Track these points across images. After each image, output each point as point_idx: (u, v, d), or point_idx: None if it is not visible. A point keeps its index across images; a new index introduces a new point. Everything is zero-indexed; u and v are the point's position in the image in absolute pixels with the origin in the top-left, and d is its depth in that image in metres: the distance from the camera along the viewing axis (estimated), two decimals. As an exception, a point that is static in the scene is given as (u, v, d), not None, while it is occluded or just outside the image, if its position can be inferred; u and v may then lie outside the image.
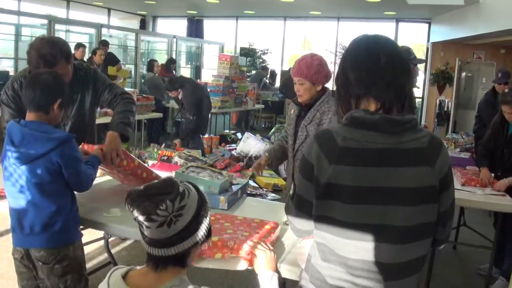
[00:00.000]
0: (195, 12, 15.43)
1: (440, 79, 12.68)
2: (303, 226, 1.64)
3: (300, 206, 1.61)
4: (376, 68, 1.51)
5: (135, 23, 16.68)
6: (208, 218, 1.55)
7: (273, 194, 5.96)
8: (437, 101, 12.36)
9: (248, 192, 3.14)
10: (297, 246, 2.06)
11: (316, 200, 1.52)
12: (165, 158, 4.39)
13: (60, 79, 2.41)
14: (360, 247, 1.48)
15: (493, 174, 4.04)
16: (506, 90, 4.06)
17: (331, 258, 1.54)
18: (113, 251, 4.09)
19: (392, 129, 1.47)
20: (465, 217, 5.29)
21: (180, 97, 6.52)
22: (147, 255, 1.49)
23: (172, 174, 3.40)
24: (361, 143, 1.46)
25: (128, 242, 4.50)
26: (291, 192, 1.67)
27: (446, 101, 12.11)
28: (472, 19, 10.04)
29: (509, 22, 8.25)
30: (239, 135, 8.90)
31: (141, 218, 1.42)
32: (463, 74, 12.39)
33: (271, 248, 1.96)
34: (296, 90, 3.16)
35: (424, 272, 1.63)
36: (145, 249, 1.48)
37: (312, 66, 3.07)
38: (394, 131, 1.47)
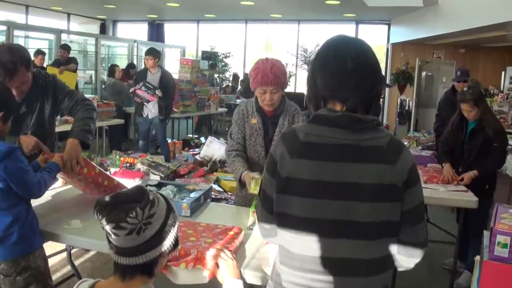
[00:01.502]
0: (156, 16, 15.32)
1: (401, 79, 12.92)
2: (269, 224, 1.64)
3: (264, 203, 1.62)
4: (342, 72, 1.52)
5: (95, 28, 16.44)
6: (175, 228, 1.56)
7: (238, 198, 5.92)
8: (398, 100, 12.57)
9: (213, 196, 3.09)
10: (261, 250, 2.04)
11: (276, 194, 1.54)
12: (128, 165, 4.32)
13: (3, 92, 2.34)
14: (319, 243, 1.49)
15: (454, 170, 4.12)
16: (465, 89, 4.13)
17: (289, 261, 1.55)
18: (76, 262, 4.00)
19: (354, 126, 1.49)
20: (429, 214, 5.40)
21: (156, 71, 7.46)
22: (114, 264, 1.48)
23: (135, 181, 3.35)
24: (323, 138, 1.49)
25: (91, 253, 4.40)
26: (259, 189, 1.69)
27: (407, 100, 12.33)
28: (431, 20, 10.25)
29: (467, 23, 8.45)
30: (202, 139, 8.84)
31: (110, 226, 1.41)
32: (423, 73, 12.64)
33: (233, 256, 1.94)
34: (268, 100, 2.93)
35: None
36: (113, 258, 1.48)
37: (284, 72, 2.94)
38: (356, 128, 1.49)
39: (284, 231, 1.55)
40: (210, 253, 1.94)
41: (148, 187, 2.90)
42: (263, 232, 1.71)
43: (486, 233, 1.79)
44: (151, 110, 7.51)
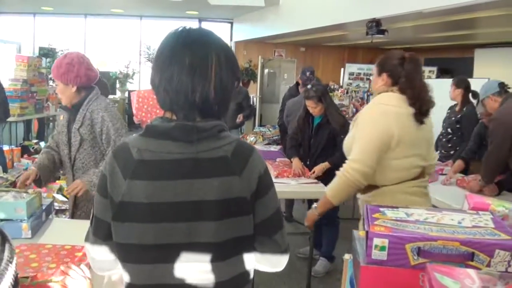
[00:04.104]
0: (-13, 7, 13.89)
1: (244, 76, 13.26)
2: (102, 256, 1.42)
3: (97, 231, 1.40)
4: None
5: None
6: (13, 264, 1.20)
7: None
8: (244, 96, 12.88)
9: (57, 207, 2.79)
10: (113, 272, 1.90)
11: (112, 222, 1.34)
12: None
13: None
14: (165, 271, 1.33)
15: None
16: (309, 86, 4.29)
17: None
18: None
19: (189, 137, 1.31)
20: (283, 208, 5.58)
21: None
22: None
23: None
24: (157, 154, 1.31)
25: None
26: (91, 216, 1.44)
27: (251, 97, 12.69)
28: (272, 19, 10.63)
29: (306, 23, 8.92)
30: (42, 144, 8.22)
31: None
32: (266, 70, 13.14)
33: (85, 275, 1.73)
34: (57, 91, 3.05)
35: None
36: None
37: (61, 66, 2.90)
38: (192, 139, 1.31)
39: (124, 263, 1.36)
40: (56, 278, 1.70)
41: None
42: (96, 266, 1.48)
43: (356, 234, 1.75)
44: None
